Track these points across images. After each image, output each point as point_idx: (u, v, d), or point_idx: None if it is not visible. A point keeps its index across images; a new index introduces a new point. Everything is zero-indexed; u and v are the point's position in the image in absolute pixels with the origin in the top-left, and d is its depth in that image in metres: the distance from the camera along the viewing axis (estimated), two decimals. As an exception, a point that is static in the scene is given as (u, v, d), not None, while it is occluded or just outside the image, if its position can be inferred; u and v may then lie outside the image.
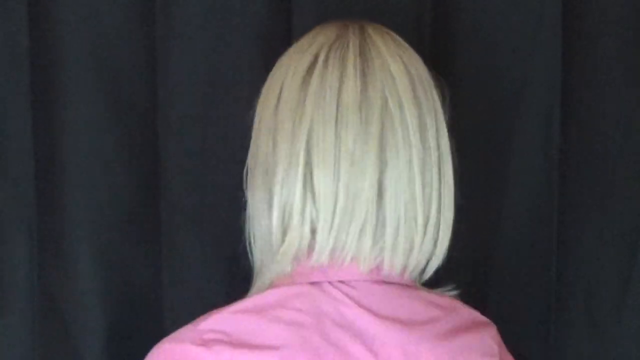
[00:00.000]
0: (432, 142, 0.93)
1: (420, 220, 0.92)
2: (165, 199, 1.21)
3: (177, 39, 1.19)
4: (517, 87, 1.25)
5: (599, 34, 1.24)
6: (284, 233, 0.92)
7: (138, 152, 1.20)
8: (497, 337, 1.00)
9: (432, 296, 0.97)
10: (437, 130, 0.94)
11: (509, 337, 1.30)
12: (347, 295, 0.92)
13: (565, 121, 1.25)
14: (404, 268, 0.94)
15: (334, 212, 0.90)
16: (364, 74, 0.92)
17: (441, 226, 0.95)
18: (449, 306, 0.97)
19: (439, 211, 0.94)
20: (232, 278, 1.09)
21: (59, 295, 1.20)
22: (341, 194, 0.90)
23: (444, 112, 0.96)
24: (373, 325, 0.91)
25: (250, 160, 0.97)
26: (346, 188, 0.90)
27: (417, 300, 0.95)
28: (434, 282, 1.17)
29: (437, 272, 1.23)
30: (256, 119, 0.98)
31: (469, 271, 1.28)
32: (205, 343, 0.88)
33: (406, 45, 0.98)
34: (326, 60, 0.92)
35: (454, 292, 1.00)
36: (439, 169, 0.94)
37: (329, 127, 0.90)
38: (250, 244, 0.99)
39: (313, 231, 0.92)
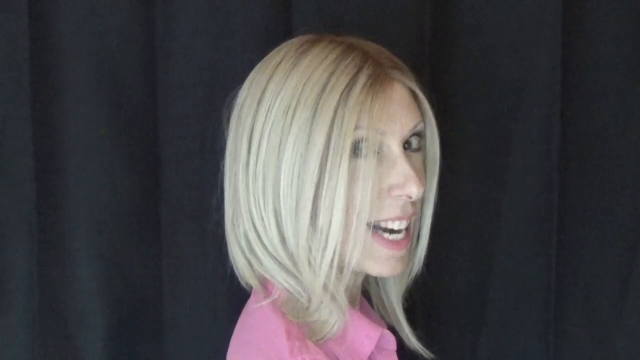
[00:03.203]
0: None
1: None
2: (165, 199, 1.21)
3: (177, 39, 1.19)
4: (517, 87, 1.24)
5: (599, 34, 1.24)
6: None
7: (138, 152, 1.20)
8: None
9: (258, 314, 1.02)
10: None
11: (509, 338, 1.30)
12: None
13: (565, 121, 1.25)
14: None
15: None
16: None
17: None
18: (254, 323, 1.03)
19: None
20: (233, 278, 1.08)
21: (59, 295, 1.20)
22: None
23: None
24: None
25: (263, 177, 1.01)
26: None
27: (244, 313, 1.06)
28: (435, 283, 1.17)
29: (438, 274, 1.23)
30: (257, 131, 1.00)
31: (469, 271, 1.28)
32: None
33: None
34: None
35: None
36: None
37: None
38: None
39: None
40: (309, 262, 0.97)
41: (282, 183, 0.96)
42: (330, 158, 0.94)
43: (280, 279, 0.99)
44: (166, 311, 1.22)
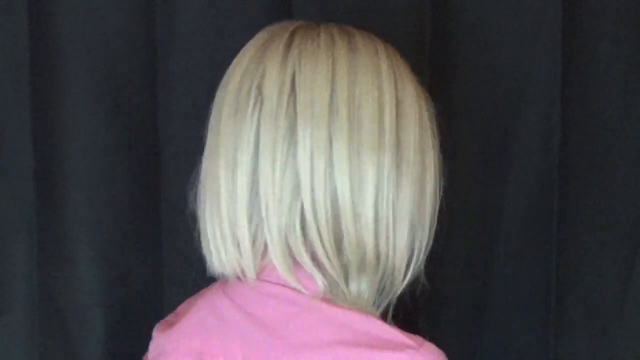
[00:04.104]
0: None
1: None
2: (165, 199, 1.21)
3: (177, 39, 1.19)
4: (517, 87, 1.25)
5: (599, 34, 1.24)
6: None
7: (138, 152, 1.20)
8: None
9: (329, 308, 0.91)
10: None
11: (509, 338, 1.30)
12: (232, 289, 0.94)
13: (565, 121, 1.25)
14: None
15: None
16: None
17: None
18: (344, 321, 0.91)
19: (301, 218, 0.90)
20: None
21: (59, 295, 1.20)
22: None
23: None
24: (242, 321, 0.92)
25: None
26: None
27: (301, 309, 0.91)
28: (435, 283, 1.17)
29: (438, 273, 1.23)
30: None
31: (469, 271, 1.28)
32: (160, 322, 1.01)
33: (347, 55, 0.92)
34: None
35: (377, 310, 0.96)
36: (311, 178, 0.90)
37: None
38: None
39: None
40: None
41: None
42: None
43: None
44: (166, 311, 1.22)
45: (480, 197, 1.27)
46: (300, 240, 0.89)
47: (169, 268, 1.22)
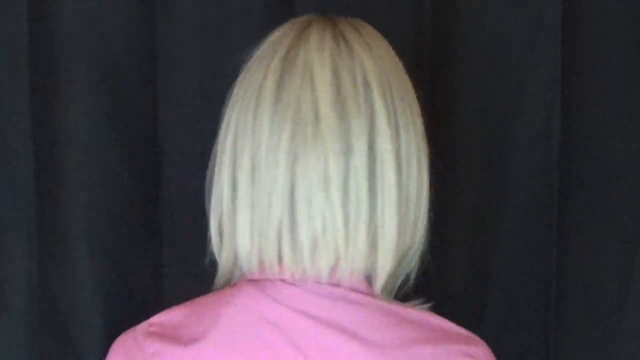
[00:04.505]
0: (358, 151, 0.90)
1: (340, 226, 0.90)
2: (165, 199, 1.21)
3: (177, 39, 1.19)
4: (517, 88, 1.25)
5: (598, 34, 1.24)
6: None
7: (138, 152, 1.20)
8: (479, 353, 0.94)
9: (396, 307, 0.94)
10: (369, 137, 0.90)
11: (509, 338, 1.30)
12: (283, 294, 0.91)
13: (565, 121, 1.25)
14: (368, 276, 0.92)
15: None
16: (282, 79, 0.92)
17: (378, 233, 0.91)
18: (413, 318, 0.93)
19: (370, 217, 0.91)
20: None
21: (59, 295, 1.20)
22: (256, 205, 0.92)
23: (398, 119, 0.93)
24: (306, 327, 0.90)
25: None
26: (258, 196, 0.91)
27: (371, 310, 0.92)
28: (435, 283, 1.17)
29: (438, 273, 1.23)
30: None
31: (469, 271, 1.28)
32: (148, 334, 0.94)
33: (363, 44, 0.95)
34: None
35: (426, 305, 0.97)
36: (368, 175, 0.90)
37: (250, 132, 0.92)
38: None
39: None
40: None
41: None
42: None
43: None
44: (166, 311, 1.22)
45: (480, 196, 1.27)
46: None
47: (169, 268, 1.22)
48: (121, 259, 1.20)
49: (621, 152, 1.25)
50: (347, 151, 0.89)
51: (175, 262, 1.22)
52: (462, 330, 0.95)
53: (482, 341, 0.95)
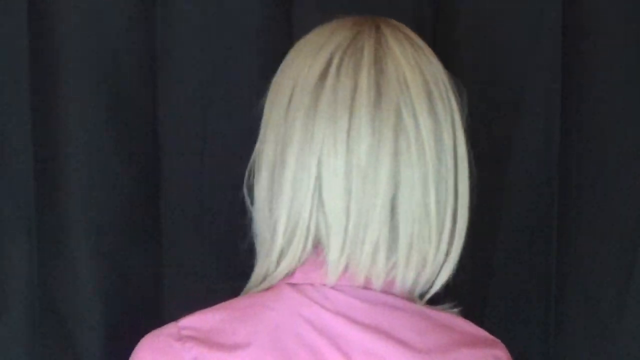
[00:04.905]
0: (448, 155, 0.91)
1: (433, 236, 0.90)
2: (165, 199, 1.21)
3: (177, 39, 1.19)
4: (517, 88, 1.25)
5: (599, 34, 1.24)
6: (287, 245, 0.90)
7: (138, 152, 1.20)
8: (503, 357, 0.96)
9: (431, 312, 0.94)
10: (454, 140, 0.92)
11: (508, 338, 1.30)
12: (328, 299, 0.90)
13: (565, 121, 1.25)
14: (415, 283, 0.92)
15: (345, 231, 0.88)
16: (378, 85, 0.88)
17: (455, 238, 0.94)
18: (447, 322, 0.94)
19: (453, 223, 0.92)
20: (233, 278, 1.08)
21: (59, 295, 1.20)
22: (353, 211, 0.87)
23: (462, 117, 0.94)
24: (352, 332, 0.89)
25: (256, 159, 0.96)
26: (358, 205, 0.87)
27: (412, 315, 0.92)
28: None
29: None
30: (265, 116, 0.95)
31: (469, 271, 1.28)
32: (181, 338, 0.90)
33: (423, 45, 0.94)
34: (339, 67, 0.89)
35: (456, 310, 0.98)
36: (455, 182, 0.92)
37: (341, 140, 0.87)
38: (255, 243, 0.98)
39: (316, 245, 0.90)
40: None
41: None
42: None
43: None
44: (166, 311, 1.22)
45: (480, 196, 1.27)
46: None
47: (169, 268, 1.22)
48: (121, 259, 1.20)
49: (621, 152, 1.25)
50: (439, 159, 0.90)
51: (175, 262, 1.22)
52: (487, 334, 0.97)
53: (503, 344, 0.97)
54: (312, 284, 0.91)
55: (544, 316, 1.28)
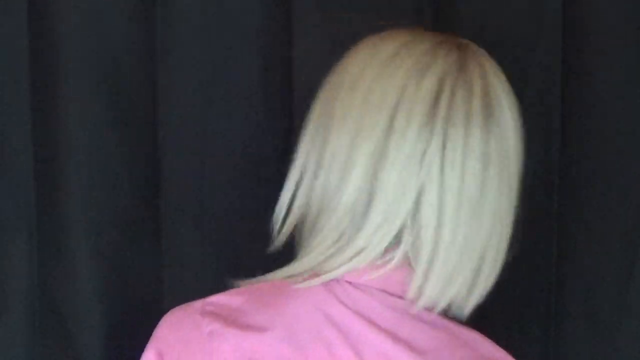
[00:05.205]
0: (513, 193, 0.98)
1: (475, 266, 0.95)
2: (165, 199, 1.21)
3: (177, 39, 1.19)
4: (517, 87, 1.24)
5: (599, 34, 1.24)
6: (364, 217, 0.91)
7: (138, 152, 1.20)
8: None
9: (455, 327, 0.96)
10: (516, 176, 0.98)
11: (508, 338, 1.30)
12: (350, 297, 0.91)
13: (565, 121, 1.25)
14: (441, 295, 0.94)
15: (436, 253, 0.91)
16: (486, 124, 0.93)
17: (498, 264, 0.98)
18: (469, 340, 0.96)
19: (495, 256, 0.97)
20: (233, 278, 1.08)
21: (59, 295, 1.20)
22: (458, 240, 0.91)
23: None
24: (369, 333, 0.90)
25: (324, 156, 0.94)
26: (464, 237, 0.91)
27: (433, 328, 0.94)
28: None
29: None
30: (341, 109, 0.93)
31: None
32: (205, 313, 0.93)
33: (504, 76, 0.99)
34: (453, 95, 0.91)
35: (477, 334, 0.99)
36: (507, 217, 0.97)
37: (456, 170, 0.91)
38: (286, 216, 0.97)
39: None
40: None
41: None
42: None
43: None
44: (166, 311, 1.22)
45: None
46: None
47: (169, 268, 1.22)
48: (121, 259, 1.21)
49: (621, 152, 1.25)
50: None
51: (176, 262, 1.22)
52: (507, 357, 0.98)
53: None
54: (337, 280, 0.92)
55: (544, 316, 1.28)
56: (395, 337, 0.90)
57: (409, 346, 0.90)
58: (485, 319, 1.30)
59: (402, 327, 0.91)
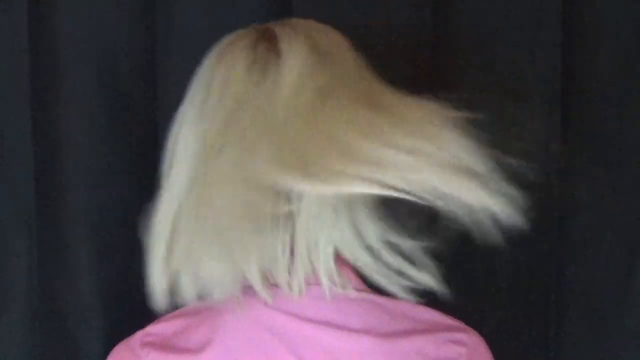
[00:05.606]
0: None
1: None
2: (165, 199, 1.21)
3: (177, 38, 1.19)
4: (517, 87, 1.24)
5: (599, 33, 1.24)
6: None
7: (138, 152, 1.20)
8: (466, 340, 0.95)
9: (383, 300, 0.93)
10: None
11: (508, 338, 1.30)
12: (281, 300, 0.90)
13: (565, 122, 1.25)
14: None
15: None
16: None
17: None
18: (403, 310, 0.94)
19: None
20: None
21: (59, 295, 1.20)
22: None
23: None
24: (305, 331, 0.90)
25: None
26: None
27: (360, 304, 0.92)
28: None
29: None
30: None
31: (469, 271, 1.28)
32: (144, 344, 0.94)
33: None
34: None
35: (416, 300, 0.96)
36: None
37: None
38: None
39: None
40: None
41: None
42: None
43: None
44: (166, 311, 1.22)
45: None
46: None
47: (169, 268, 1.22)
48: (121, 259, 1.20)
49: (622, 153, 1.25)
50: None
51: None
52: (454, 322, 0.95)
53: (473, 331, 0.96)
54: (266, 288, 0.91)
55: (544, 316, 1.28)
56: (330, 325, 0.90)
57: (345, 329, 0.90)
58: (484, 318, 1.30)
59: (332, 313, 0.90)
